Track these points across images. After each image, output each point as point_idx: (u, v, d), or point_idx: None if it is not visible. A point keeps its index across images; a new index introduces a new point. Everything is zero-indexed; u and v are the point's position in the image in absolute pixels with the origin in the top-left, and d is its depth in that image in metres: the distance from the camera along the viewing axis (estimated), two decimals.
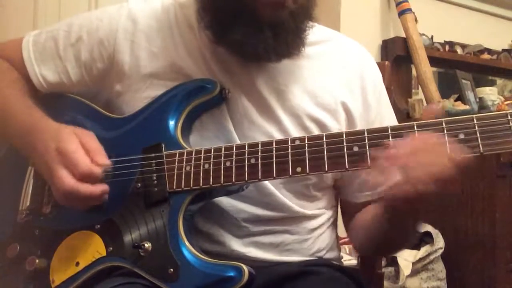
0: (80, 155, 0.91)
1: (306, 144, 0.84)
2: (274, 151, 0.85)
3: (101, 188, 0.92)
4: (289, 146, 0.85)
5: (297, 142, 0.84)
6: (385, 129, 0.80)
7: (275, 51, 0.94)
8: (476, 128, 0.74)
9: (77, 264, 0.94)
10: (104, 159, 0.93)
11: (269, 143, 0.86)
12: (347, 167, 0.80)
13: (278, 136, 0.97)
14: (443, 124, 0.76)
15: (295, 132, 0.98)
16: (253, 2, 0.90)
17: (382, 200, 0.86)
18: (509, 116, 0.73)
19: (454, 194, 0.75)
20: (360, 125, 1.03)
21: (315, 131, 0.99)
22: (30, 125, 0.98)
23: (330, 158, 0.82)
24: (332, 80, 1.04)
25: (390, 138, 0.79)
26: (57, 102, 1.09)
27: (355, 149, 0.80)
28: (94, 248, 0.93)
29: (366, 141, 0.80)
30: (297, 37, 0.96)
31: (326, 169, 0.82)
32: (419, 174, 0.75)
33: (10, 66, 1.11)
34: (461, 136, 0.75)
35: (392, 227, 0.91)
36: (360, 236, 1.06)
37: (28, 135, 0.97)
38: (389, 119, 1.09)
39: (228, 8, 0.93)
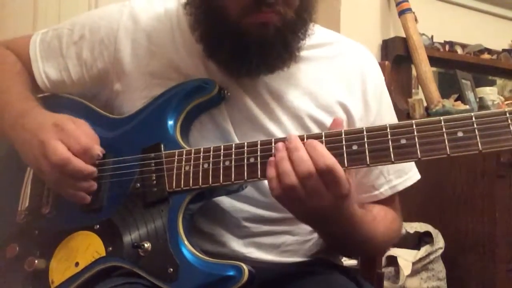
0: (81, 132, 0.93)
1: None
2: (273, 150, 0.85)
3: (92, 168, 0.93)
4: None
5: None
6: (383, 128, 0.80)
7: (260, 68, 0.95)
8: (475, 126, 0.74)
9: (77, 264, 0.93)
10: (99, 146, 0.95)
11: (268, 143, 0.86)
12: (346, 165, 0.80)
13: (279, 136, 0.97)
14: (442, 122, 0.76)
15: (296, 133, 0.98)
16: (239, 22, 0.90)
17: None
18: (507, 114, 0.73)
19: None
20: (359, 127, 1.03)
21: (316, 131, 0.99)
22: (24, 110, 1.00)
23: None
24: (332, 82, 1.04)
25: (389, 136, 0.79)
26: (57, 103, 1.09)
27: (354, 147, 0.80)
28: (94, 249, 0.93)
29: (365, 140, 0.80)
30: (285, 51, 0.95)
31: None
32: (285, 168, 0.81)
33: (17, 59, 1.12)
34: (460, 134, 0.74)
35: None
36: None
37: (19, 119, 0.98)
38: (389, 121, 1.08)
39: (214, 27, 0.93)
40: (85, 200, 0.94)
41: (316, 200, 0.80)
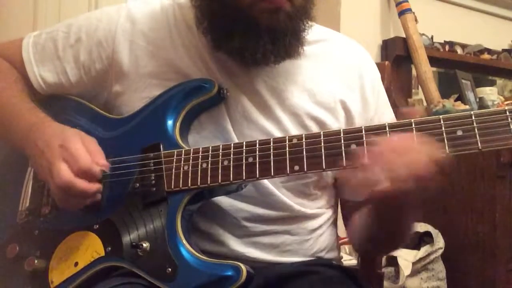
0: (82, 152, 0.92)
1: (304, 142, 0.83)
2: (271, 150, 0.85)
3: (96, 186, 0.92)
4: (287, 145, 0.85)
5: (295, 141, 0.84)
6: (382, 127, 0.80)
7: (274, 55, 0.95)
8: (475, 125, 0.74)
9: (76, 264, 0.94)
10: (104, 161, 0.94)
11: (267, 142, 0.86)
12: (344, 165, 0.80)
13: (277, 135, 0.97)
14: (441, 121, 0.76)
15: (294, 131, 0.98)
16: (251, 8, 0.90)
17: (367, 199, 0.87)
18: (507, 113, 0.73)
19: (435, 191, 0.74)
20: (359, 124, 1.03)
21: (315, 129, 0.99)
22: (34, 123, 0.99)
23: (328, 156, 0.82)
24: (331, 78, 1.04)
25: (388, 135, 0.79)
26: (56, 103, 1.09)
27: (353, 146, 0.80)
28: (93, 248, 0.93)
29: (364, 139, 0.80)
30: (295, 39, 0.96)
31: (324, 167, 0.81)
32: (400, 172, 0.75)
33: (11, 66, 1.11)
34: (459, 132, 0.75)
35: (380, 226, 0.93)
36: (356, 235, 1.07)
37: (31, 133, 0.97)
38: (388, 117, 1.09)
39: (226, 15, 0.93)
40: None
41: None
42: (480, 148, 0.74)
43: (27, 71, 1.09)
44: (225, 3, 0.93)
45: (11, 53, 1.12)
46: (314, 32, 1.03)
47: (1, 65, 1.12)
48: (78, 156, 0.91)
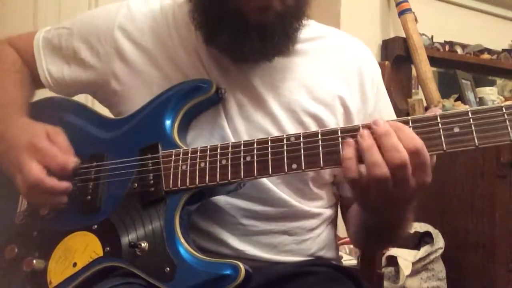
0: (52, 150, 0.95)
1: (302, 141, 0.83)
2: (269, 149, 0.85)
3: (65, 185, 0.95)
4: (285, 143, 0.84)
5: (292, 139, 0.84)
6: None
7: (262, 52, 0.96)
8: (471, 122, 0.74)
9: (75, 265, 0.93)
10: (73, 158, 0.97)
11: (265, 141, 0.85)
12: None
13: (274, 132, 0.97)
14: (438, 118, 0.76)
15: (291, 127, 0.98)
16: (239, 6, 0.91)
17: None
18: (504, 109, 0.73)
19: (418, 186, 0.75)
20: (357, 120, 1.03)
21: (312, 125, 0.99)
22: (5, 114, 1.02)
23: (326, 154, 0.81)
24: (329, 75, 1.04)
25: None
26: (54, 105, 1.10)
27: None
28: (91, 249, 0.93)
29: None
30: (285, 37, 0.96)
31: (322, 165, 0.81)
32: (376, 158, 0.74)
33: (17, 57, 1.14)
34: (456, 129, 0.75)
35: (369, 220, 0.93)
36: (353, 230, 1.07)
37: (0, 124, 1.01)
38: (388, 113, 1.09)
39: (216, 11, 0.94)
40: (61, 203, 0.97)
41: (399, 191, 0.76)
42: (477, 144, 0.73)
43: (37, 65, 1.12)
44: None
45: (23, 46, 1.15)
46: (312, 29, 1.04)
47: (8, 57, 1.14)
48: (48, 155, 0.94)
